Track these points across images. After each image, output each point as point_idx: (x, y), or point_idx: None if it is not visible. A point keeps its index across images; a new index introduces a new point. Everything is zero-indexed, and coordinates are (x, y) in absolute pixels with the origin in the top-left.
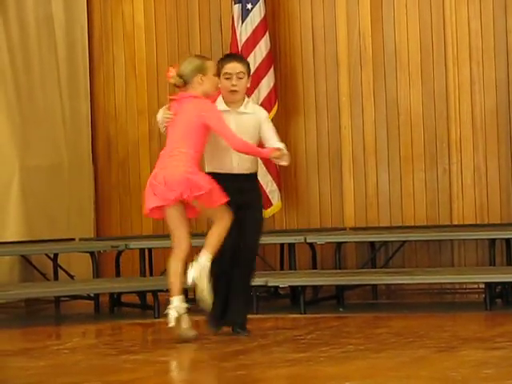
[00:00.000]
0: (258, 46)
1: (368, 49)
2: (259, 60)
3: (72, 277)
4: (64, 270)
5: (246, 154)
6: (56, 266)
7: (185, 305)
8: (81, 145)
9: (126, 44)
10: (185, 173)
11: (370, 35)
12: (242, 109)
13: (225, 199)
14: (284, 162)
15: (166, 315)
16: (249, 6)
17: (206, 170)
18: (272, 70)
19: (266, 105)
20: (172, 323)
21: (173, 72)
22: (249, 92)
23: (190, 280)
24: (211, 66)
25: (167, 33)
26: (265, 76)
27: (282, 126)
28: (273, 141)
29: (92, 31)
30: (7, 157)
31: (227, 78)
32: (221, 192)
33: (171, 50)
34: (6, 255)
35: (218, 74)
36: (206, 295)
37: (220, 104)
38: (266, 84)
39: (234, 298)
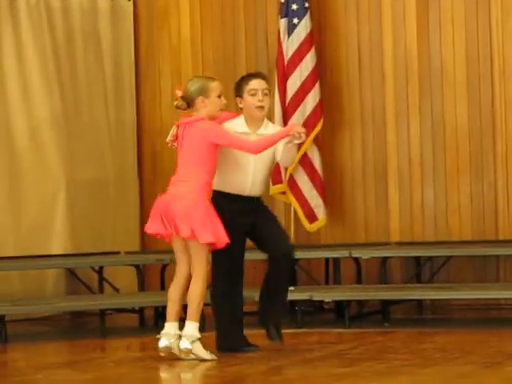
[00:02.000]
0: (304, 60)
1: (414, 63)
2: (305, 74)
3: (117, 290)
4: (109, 283)
5: (267, 148)
6: (101, 279)
7: (177, 332)
8: (127, 159)
9: (172, 58)
10: (190, 205)
11: (416, 49)
12: (261, 131)
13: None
14: (300, 140)
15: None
16: (295, 20)
17: (215, 188)
18: (318, 84)
19: (312, 119)
20: (161, 353)
21: (179, 94)
22: (295, 107)
23: (182, 354)
24: (215, 87)
25: (213, 46)
26: (311, 90)
27: (328, 139)
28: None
29: (138, 45)
30: (54, 171)
31: (253, 95)
32: (222, 232)
33: (217, 64)
34: (51, 268)
35: (238, 93)
36: (207, 358)
37: (239, 126)
38: (312, 98)
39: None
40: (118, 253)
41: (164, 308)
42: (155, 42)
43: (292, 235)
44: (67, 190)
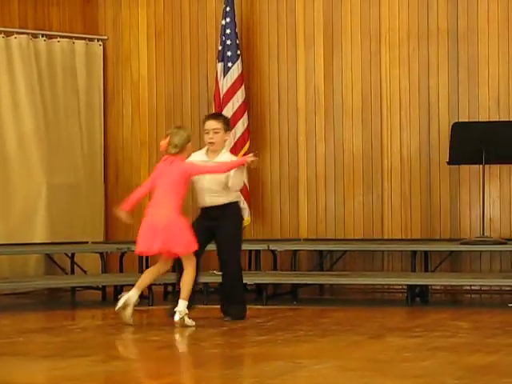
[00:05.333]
0: (235, 96)
1: (321, 99)
2: (236, 106)
3: (85, 272)
4: (79, 266)
5: (229, 170)
6: (73, 263)
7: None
8: (95, 168)
9: (133, 90)
10: (169, 221)
11: (323, 88)
12: (218, 159)
13: (194, 248)
14: (255, 164)
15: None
16: (229, 64)
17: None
18: (246, 114)
19: (241, 141)
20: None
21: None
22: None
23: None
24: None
25: (165, 83)
26: (240, 119)
27: None
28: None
29: (106, 79)
30: (37, 176)
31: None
32: (192, 239)
33: (167, 96)
34: (34, 253)
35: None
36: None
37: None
38: (241, 125)
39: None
40: (86, 242)
41: (122, 286)
42: (120, 76)
43: None
44: (47, 191)
